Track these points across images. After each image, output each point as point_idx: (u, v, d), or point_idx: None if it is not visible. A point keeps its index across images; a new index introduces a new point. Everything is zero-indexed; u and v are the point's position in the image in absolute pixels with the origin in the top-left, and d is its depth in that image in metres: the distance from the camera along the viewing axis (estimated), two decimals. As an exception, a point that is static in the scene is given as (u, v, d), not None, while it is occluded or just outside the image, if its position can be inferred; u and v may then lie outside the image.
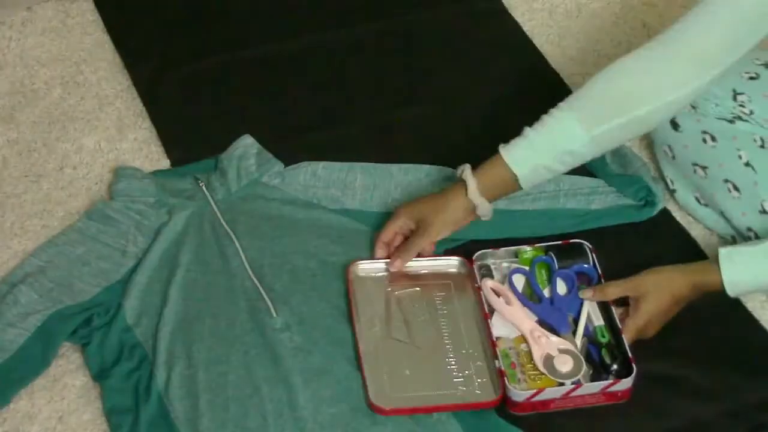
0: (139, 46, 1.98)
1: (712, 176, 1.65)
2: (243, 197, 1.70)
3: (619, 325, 1.50)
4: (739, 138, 1.63)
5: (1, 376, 1.50)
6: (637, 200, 1.70)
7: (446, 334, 1.54)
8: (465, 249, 1.63)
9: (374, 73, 1.95)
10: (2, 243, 1.69)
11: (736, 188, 1.62)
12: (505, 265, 1.61)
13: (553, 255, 1.59)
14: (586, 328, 1.52)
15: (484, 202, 1.55)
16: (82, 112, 1.88)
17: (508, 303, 1.54)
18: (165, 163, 1.80)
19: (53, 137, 1.84)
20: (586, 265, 1.58)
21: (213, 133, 1.83)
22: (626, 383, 1.45)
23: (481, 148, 1.82)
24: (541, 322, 1.52)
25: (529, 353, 1.49)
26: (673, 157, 1.70)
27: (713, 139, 1.65)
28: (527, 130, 1.54)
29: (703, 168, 1.65)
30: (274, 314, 1.55)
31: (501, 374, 1.46)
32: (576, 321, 1.53)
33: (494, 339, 1.50)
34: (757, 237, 1.59)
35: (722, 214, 1.65)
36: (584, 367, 1.47)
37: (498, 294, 1.55)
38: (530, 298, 1.56)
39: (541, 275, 1.59)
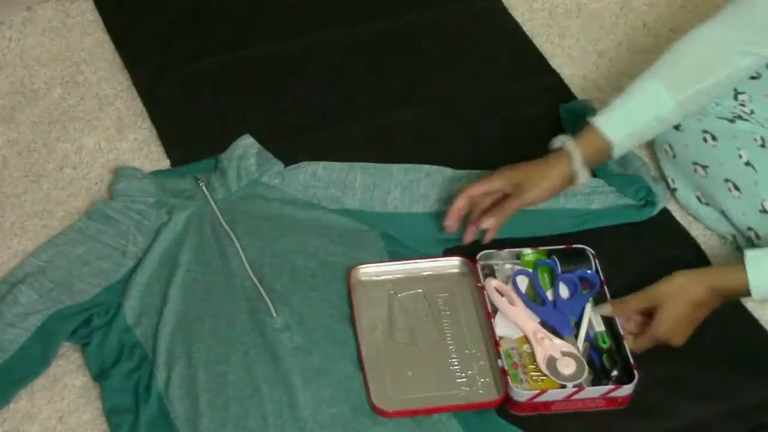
0: (139, 46, 1.98)
1: (713, 175, 1.65)
2: (243, 197, 1.70)
3: (621, 332, 1.50)
4: (740, 137, 1.63)
5: (1, 376, 1.50)
6: (637, 200, 1.70)
7: (449, 335, 1.54)
8: (465, 249, 1.63)
9: (374, 73, 1.95)
10: (2, 243, 1.69)
11: (736, 187, 1.62)
12: (508, 266, 1.61)
13: (556, 259, 1.59)
14: (587, 333, 1.52)
15: (585, 172, 1.56)
16: (82, 112, 1.88)
17: (511, 303, 1.54)
18: (165, 163, 1.80)
19: (53, 137, 1.84)
20: (589, 271, 1.58)
21: (213, 133, 1.83)
22: (628, 389, 1.45)
23: (482, 148, 1.83)
24: (544, 324, 1.52)
25: (532, 354, 1.49)
26: (674, 156, 1.70)
27: (714, 138, 1.65)
28: (615, 101, 1.56)
29: (704, 167, 1.65)
30: (274, 314, 1.55)
31: (504, 373, 1.46)
32: (578, 325, 1.53)
33: (497, 338, 1.50)
34: (758, 237, 1.60)
35: (723, 213, 1.65)
36: (586, 371, 1.47)
37: (501, 294, 1.55)
38: (533, 300, 1.56)
39: (544, 278, 1.59)
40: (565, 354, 1.48)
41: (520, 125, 1.86)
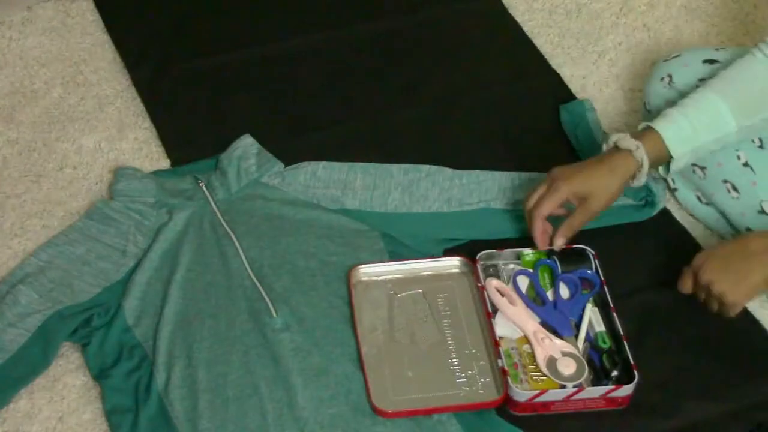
0: (139, 46, 1.98)
1: (711, 176, 1.65)
2: (243, 197, 1.70)
3: (621, 332, 1.50)
4: (738, 138, 1.63)
5: (1, 376, 1.50)
6: (637, 200, 1.70)
7: (449, 335, 1.54)
8: (465, 249, 1.63)
9: (374, 73, 1.95)
10: (2, 243, 1.69)
11: (734, 188, 1.62)
12: (509, 266, 1.61)
13: (556, 259, 1.59)
14: (587, 333, 1.52)
15: (642, 181, 1.54)
16: (82, 112, 1.88)
17: (511, 303, 1.54)
18: (165, 163, 1.80)
19: (53, 137, 1.84)
20: (589, 271, 1.58)
21: (213, 133, 1.83)
22: (628, 389, 1.45)
23: (482, 148, 1.83)
24: (544, 324, 1.52)
25: (532, 354, 1.49)
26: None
27: (712, 139, 1.64)
28: (677, 116, 1.53)
29: (702, 168, 1.65)
30: (274, 314, 1.55)
31: (504, 373, 1.46)
32: (578, 326, 1.53)
33: (497, 338, 1.50)
34: (758, 237, 1.59)
35: (723, 213, 1.65)
36: (587, 371, 1.47)
37: (502, 294, 1.55)
38: (533, 300, 1.56)
39: (544, 279, 1.59)
40: (565, 354, 1.48)
41: (520, 125, 1.86)
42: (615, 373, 1.47)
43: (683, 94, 1.58)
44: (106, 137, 1.84)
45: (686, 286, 1.49)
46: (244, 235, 1.65)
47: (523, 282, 1.59)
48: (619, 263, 1.61)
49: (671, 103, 1.58)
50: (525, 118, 1.87)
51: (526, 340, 1.51)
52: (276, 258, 1.62)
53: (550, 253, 1.59)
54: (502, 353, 1.48)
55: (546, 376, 1.47)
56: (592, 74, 1.95)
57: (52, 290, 1.57)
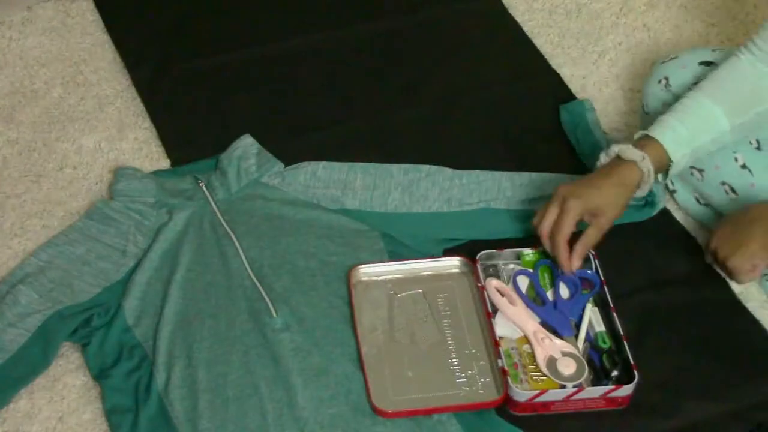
0: (139, 46, 1.98)
1: (709, 178, 1.64)
2: (243, 197, 1.70)
3: (621, 332, 1.50)
4: (735, 140, 1.63)
5: (1, 376, 1.50)
6: (637, 200, 1.69)
7: (449, 335, 1.54)
8: (465, 249, 1.63)
9: (374, 73, 1.95)
10: (2, 243, 1.69)
11: (732, 190, 1.62)
12: (509, 266, 1.61)
13: (556, 259, 1.59)
14: (587, 333, 1.52)
15: (648, 188, 1.54)
16: (82, 112, 1.88)
17: (511, 303, 1.54)
18: (165, 163, 1.80)
19: (53, 137, 1.84)
20: (589, 271, 1.58)
21: (213, 133, 1.83)
22: (628, 389, 1.45)
23: (482, 148, 1.83)
24: (544, 324, 1.52)
25: (532, 354, 1.49)
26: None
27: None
28: (671, 121, 1.54)
29: (700, 171, 1.65)
30: (274, 314, 1.55)
31: (504, 373, 1.46)
32: (578, 326, 1.53)
33: (497, 338, 1.50)
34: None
35: (721, 215, 1.65)
36: (586, 371, 1.47)
37: (502, 294, 1.55)
38: (534, 300, 1.56)
39: (544, 279, 1.59)
40: (565, 354, 1.48)
41: (520, 125, 1.86)
42: (615, 373, 1.47)
43: (679, 97, 1.58)
44: (106, 137, 1.84)
45: (707, 257, 1.55)
46: (244, 235, 1.65)
47: (523, 282, 1.59)
48: (619, 263, 1.61)
49: (668, 105, 1.58)
50: (525, 118, 1.87)
51: (526, 340, 1.51)
52: (276, 258, 1.62)
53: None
54: (502, 353, 1.48)
55: (546, 376, 1.47)
56: (592, 74, 1.95)
57: (52, 290, 1.57)
